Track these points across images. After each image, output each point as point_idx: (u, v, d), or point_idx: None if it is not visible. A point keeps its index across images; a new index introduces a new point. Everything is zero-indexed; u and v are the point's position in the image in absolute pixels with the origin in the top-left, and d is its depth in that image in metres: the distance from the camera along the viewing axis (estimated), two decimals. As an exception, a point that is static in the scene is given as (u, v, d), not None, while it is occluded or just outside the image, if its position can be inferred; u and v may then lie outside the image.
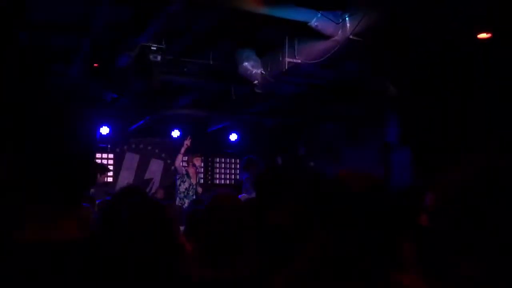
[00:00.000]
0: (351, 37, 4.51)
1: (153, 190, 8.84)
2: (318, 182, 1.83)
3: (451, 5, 3.96)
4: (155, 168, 9.32)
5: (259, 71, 5.81)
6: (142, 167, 9.26)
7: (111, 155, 9.02)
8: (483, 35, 4.74)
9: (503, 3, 3.95)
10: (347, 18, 4.53)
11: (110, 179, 8.92)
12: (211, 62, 6.02)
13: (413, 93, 6.13)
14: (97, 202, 6.98)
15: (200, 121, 8.70)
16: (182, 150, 7.32)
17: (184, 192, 7.15)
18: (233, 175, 10.02)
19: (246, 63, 5.75)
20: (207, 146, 9.43)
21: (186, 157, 7.60)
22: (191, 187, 7.17)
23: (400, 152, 6.95)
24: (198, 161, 7.39)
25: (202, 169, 9.27)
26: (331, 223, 1.40)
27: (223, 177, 9.97)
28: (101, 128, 8.43)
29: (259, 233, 1.76)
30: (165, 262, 1.71)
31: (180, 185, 7.20)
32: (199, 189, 7.29)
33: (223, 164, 9.97)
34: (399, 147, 6.90)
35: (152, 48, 5.27)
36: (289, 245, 1.60)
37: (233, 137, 9.55)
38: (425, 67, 5.48)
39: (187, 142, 7.36)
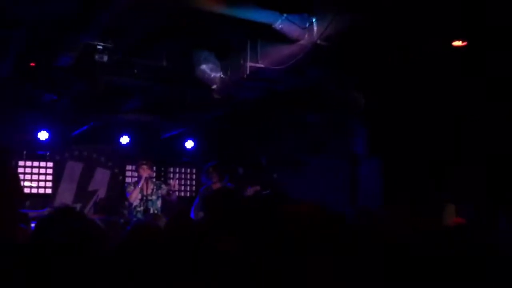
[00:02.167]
0: (318, 42, 4.54)
1: (97, 203, 8.59)
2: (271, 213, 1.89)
3: (424, 12, 4.00)
4: (101, 178, 9.07)
5: (218, 74, 5.81)
6: (86, 177, 8.99)
7: (50, 164, 8.70)
8: (457, 43, 4.81)
9: (475, 12, 4.03)
10: (314, 22, 4.53)
11: (48, 191, 8.63)
12: (165, 64, 5.92)
13: (382, 101, 6.19)
14: (32, 216, 6.70)
15: (152, 126, 8.55)
16: (140, 183, 6.90)
17: (134, 206, 6.88)
18: (188, 186, 9.87)
19: (204, 66, 5.71)
20: (160, 154, 9.25)
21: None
22: (143, 200, 6.89)
23: (368, 165, 7.00)
24: (144, 171, 6.97)
25: (154, 179, 9.07)
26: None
27: (178, 188, 9.71)
28: (39, 133, 8.13)
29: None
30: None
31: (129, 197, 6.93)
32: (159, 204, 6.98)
33: (177, 175, 9.79)
34: (367, 159, 6.96)
35: (97, 47, 5.16)
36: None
37: (189, 144, 9.39)
38: (395, 75, 5.54)
39: (144, 174, 6.91)
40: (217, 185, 7.30)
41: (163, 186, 7.19)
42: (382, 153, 6.77)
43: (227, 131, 8.79)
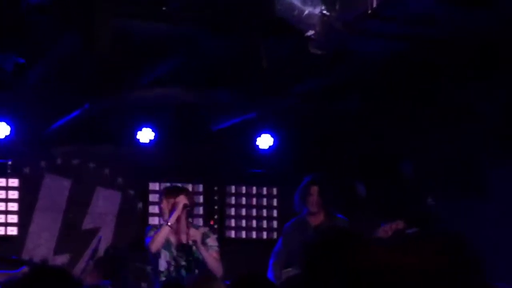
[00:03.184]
0: None
1: (98, 256, 8.83)
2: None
3: None
4: (105, 207, 9.39)
5: (317, 11, 5.90)
6: (79, 204, 9.31)
7: (14, 181, 9.04)
8: None
9: None
10: None
11: (12, 231, 8.93)
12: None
13: None
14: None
15: (196, 110, 8.78)
16: (173, 217, 6.96)
17: (162, 272, 7.04)
18: (264, 221, 10.02)
19: (292, -5, 5.94)
20: (212, 161, 9.50)
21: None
22: (172, 255, 7.06)
23: None
24: (182, 197, 7.07)
25: (202, 208, 9.26)
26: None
27: (244, 224, 9.92)
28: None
29: None
30: None
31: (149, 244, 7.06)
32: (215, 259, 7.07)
33: (244, 199, 9.97)
34: None
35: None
36: None
37: (265, 141, 9.56)
38: None
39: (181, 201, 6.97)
40: (319, 218, 7.57)
41: (212, 235, 7.31)
42: None
43: (335, 118, 8.87)
